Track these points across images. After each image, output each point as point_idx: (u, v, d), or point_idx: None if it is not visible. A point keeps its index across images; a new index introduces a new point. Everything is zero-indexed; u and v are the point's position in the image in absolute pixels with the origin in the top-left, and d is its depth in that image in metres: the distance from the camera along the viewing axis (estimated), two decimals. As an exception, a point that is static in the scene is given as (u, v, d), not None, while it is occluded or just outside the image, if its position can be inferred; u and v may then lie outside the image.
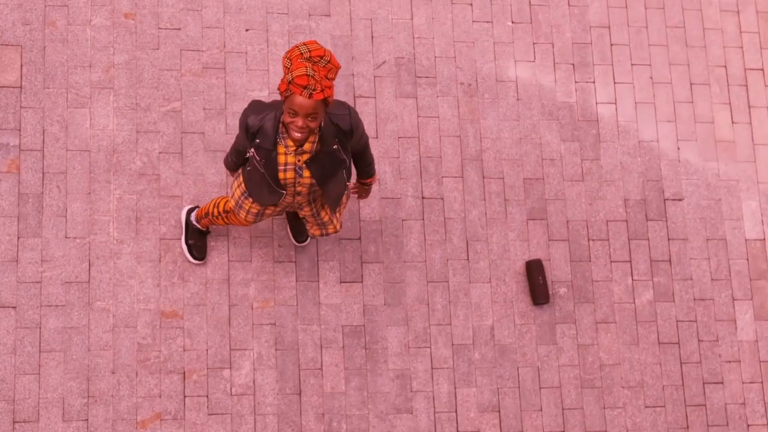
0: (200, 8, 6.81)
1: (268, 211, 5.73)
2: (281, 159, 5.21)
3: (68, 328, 6.24)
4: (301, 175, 5.26)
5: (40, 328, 6.22)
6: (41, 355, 6.19)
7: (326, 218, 5.74)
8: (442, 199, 6.74)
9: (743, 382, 6.80)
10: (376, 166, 6.36)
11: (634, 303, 6.80)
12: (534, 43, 7.08)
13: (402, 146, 6.76)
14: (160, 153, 6.53)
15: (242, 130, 5.24)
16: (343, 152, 5.23)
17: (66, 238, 6.32)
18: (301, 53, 4.91)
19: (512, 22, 7.09)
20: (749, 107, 7.21)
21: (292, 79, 4.88)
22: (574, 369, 6.64)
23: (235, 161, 5.56)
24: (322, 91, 4.89)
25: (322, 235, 5.87)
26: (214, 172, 6.59)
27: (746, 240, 7.01)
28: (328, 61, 4.93)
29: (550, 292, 6.71)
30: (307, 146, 5.17)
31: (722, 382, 6.77)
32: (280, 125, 5.14)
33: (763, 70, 7.25)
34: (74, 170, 6.42)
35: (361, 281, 6.53)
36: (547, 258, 6.76)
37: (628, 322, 6.76)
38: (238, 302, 6.42)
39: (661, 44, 7.23)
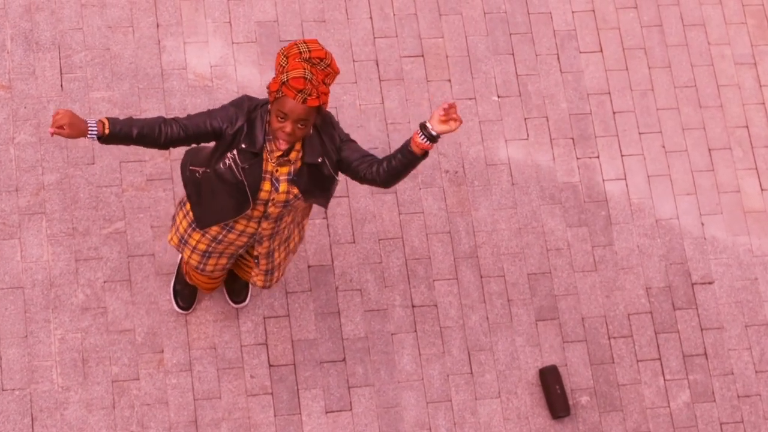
0: (139, 113, 6.77)
1: (220, 247, 5.63)
2: (264, 166, 5.25)
3: (11, 497, 6.16)
4: (277, 190, 5.26)
5: (-23, 499, 6.15)
6: None
7: (278, 260, 5.76)
8: (436, 305, 6.69)
9: (805, 488, 6.80)
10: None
11: (669, 407, 6.73)
12: (525, 118, 7.13)
13: (384, 249, 6.75)
14: (104, 282, 6.47)
15: (232, 114, 5.16)
16: (330, 167, 5.24)
17: (3, 391, 6.23)
18: (300, 52, 4.97)
19: (498, 97, 7.16)
20: (779, 169, 7.35)
21: (287, 80, 4.92)
22: (606, 491, 6.64)
23: (181, 136, 5.20)
24: (317, 97, 4.95)
25: (264, 285, 5.86)
26: (170, 298, 6.48)
27: (791, 322, 7.08)
28: (328, 65, 4.99)
29: (571, 403, 6.65)
30: (292, 155, 5.20)
31: (781, 490, 6.79)
32: (266, 125, 5.19)
33: (789, 126, 7.50)
34: (6, 312, 6.35)
35: (350, 409, 6.47)
36: (564, 363, 6.70)
37: (664, 429, 6.68)
38: (208, 447, 6.35)
39: (671, 107, 7.27)
